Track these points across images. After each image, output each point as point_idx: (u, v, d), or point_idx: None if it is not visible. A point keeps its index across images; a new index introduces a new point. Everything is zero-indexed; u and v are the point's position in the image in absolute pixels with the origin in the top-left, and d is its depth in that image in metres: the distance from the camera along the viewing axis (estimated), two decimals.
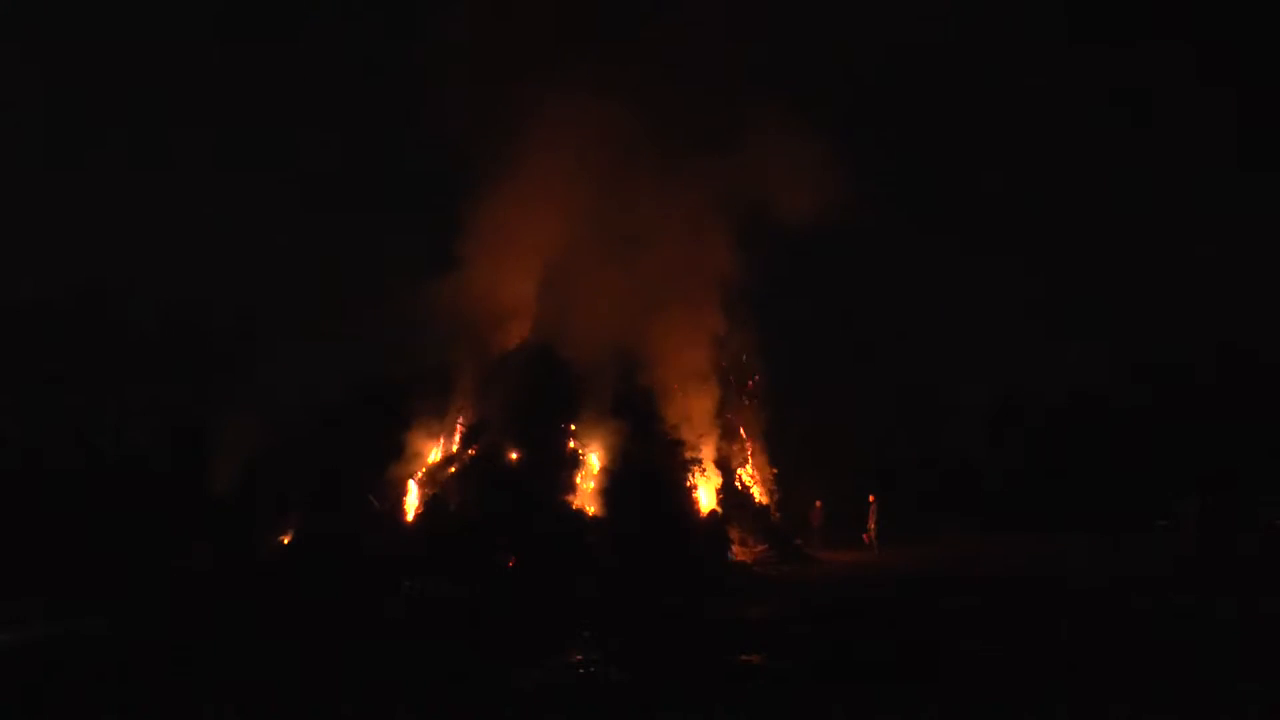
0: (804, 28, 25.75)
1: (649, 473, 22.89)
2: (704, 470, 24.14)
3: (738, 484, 25.19)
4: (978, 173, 41.25)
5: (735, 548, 22.85)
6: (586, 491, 22.81)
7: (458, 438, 24.74)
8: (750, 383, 26.36)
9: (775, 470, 26.19)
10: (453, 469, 23.88)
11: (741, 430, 26.28)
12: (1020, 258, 41.49)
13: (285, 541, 23.22)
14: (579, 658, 11.31)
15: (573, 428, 23.93)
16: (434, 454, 24.64)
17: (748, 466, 25.92)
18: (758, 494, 25.50)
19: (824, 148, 24.07)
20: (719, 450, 25.08)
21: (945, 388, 36.50)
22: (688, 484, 23.60)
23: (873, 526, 23.84)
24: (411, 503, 23.47)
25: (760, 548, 23.10)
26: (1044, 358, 36.25)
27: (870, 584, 18.65)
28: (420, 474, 24.00)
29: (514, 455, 23.61)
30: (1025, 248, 42.03)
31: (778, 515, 25.10)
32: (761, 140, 24.56)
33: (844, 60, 25.51)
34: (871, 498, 23.83)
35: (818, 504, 26.42)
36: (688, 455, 23.97)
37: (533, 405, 24.09)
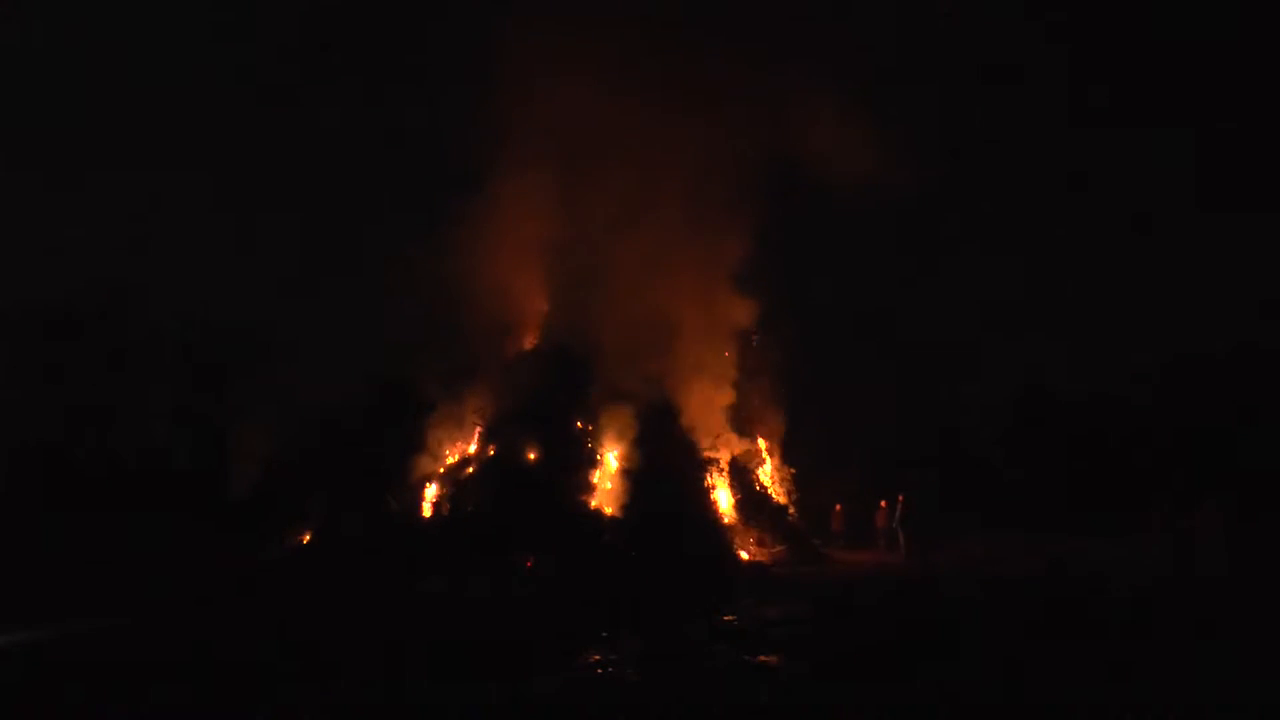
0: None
1: (666, 473, 22.90)
2: (721, 470, 24.12)
3: (755, 484, 25.16)
4: (993, 169, 40.88)
5: (753, 547, 22.83)
6: (604, 491, 22.85)
7: (475, 437, 24.83)
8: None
9: (793, 470, 26.14)
10: (470, 469, 23.98)
11: (759, 429, 26.24)
12: (1036, 254, 41.11)
13: (304, 541, 23.41)
14: (596, 658, 11.32)
15: (590, 428, 23.98)
16: (452, 454, 24.75)
17: (765, 466, 25.88)
18: (775, 493, 25.45)
19: (846, 131, 23.98)
20: (736, 449, 25.06)
21: (963, 385, 36.27)
22: (705, 484, 23.59)
23: (899, 528, 23.76)
24: (429, 502, 23.59)
25: (778, 548, 23.06)
26: (1061, 355, 35.97)
27: (888, 585, 18.56)
28: (438, 474, 24.11)
29: (531, 455, 23.67)
30: (1040, 244, 41.65)
31: (795, 515, 25.05)
32: (786, 121, 24.47)
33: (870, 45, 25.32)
34: (901, 498, 23.76)
35: (838, 507, 26.34)
36: (705, 455, 23.97)
37: (550, 405, 24.16)
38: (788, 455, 26.30)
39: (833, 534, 25.84)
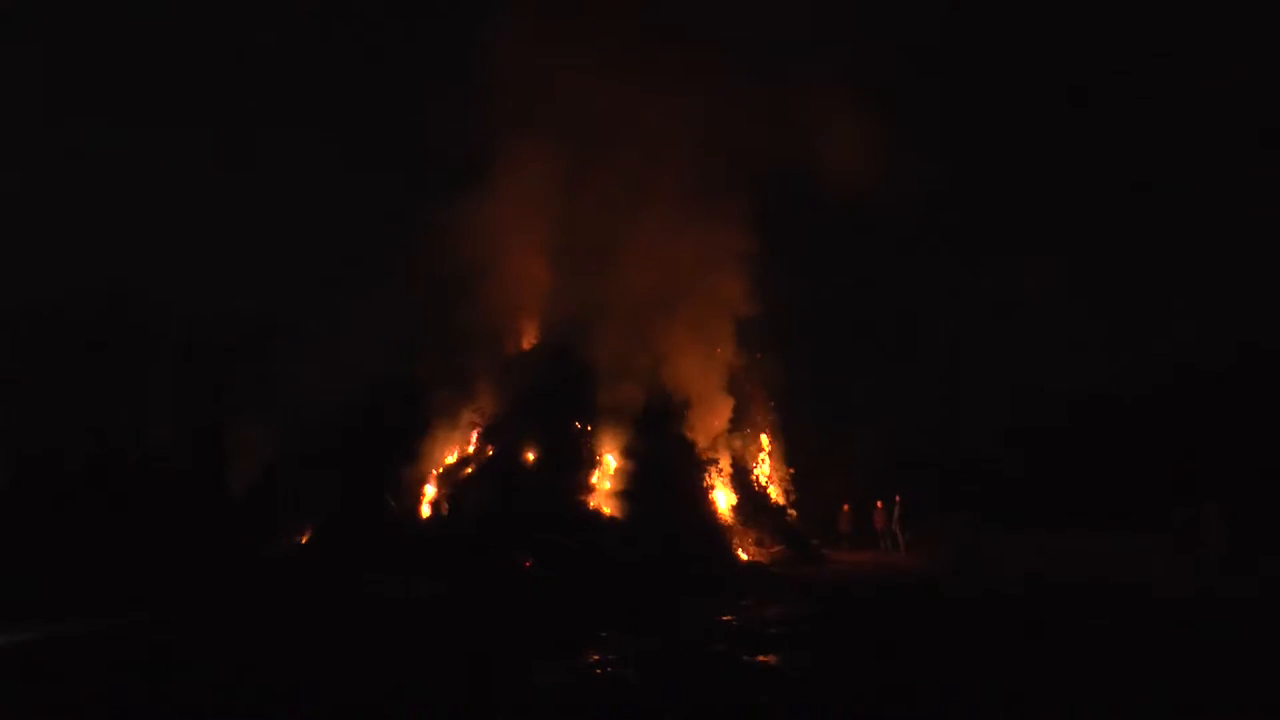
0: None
1: (665, 473, 22.91)
2: (720, 470, 24.12)
3: (754, 484, 25.16)
4: (991, 167, 40.80)
5: (752, 548, 22.83)
6: (603, 491, 22.85)
7: (474, 438, 24.82)
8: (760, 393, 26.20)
9: (792, 470, 26.15)
10: (469, 469, 23.98)
11: (757, 429, 26.24)
12: (1038, 253, 41.03)
13: (304, 541, 23.41)
14: (596, 658, 11.32)
15: (589, 427, 23.98)
16: (451, 454, 24.74)
17: (764, 466, 25.89)
18: (774, 494, 25.46)
19: (850, 129, 24.00)
20: (735, 450, 25.06)
21: (963, 385, 36.28)
22: (704, 484, 23.59)
23: (896, 528, 23.78)
24: (428, 502, 23.59)
25: (776, 548, 23.06)
26: (1061, 355, 35.94)
27: (887, 585, 18.56)
28: (437, 474, 24.10)
29: (530, 455, 23.67)
30: (1042, 243, 41.57)
31: (794, 515, 25.05)
32: (783, 120, 24.47)
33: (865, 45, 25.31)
34: (898, 497, 23.74)
35: (845, 507, 26.33)
36: (704, 455, 23.97)
37: (548, 405, 24.16)
38: (787, 455, 26.31)
39: (841, 534, 25.83)
